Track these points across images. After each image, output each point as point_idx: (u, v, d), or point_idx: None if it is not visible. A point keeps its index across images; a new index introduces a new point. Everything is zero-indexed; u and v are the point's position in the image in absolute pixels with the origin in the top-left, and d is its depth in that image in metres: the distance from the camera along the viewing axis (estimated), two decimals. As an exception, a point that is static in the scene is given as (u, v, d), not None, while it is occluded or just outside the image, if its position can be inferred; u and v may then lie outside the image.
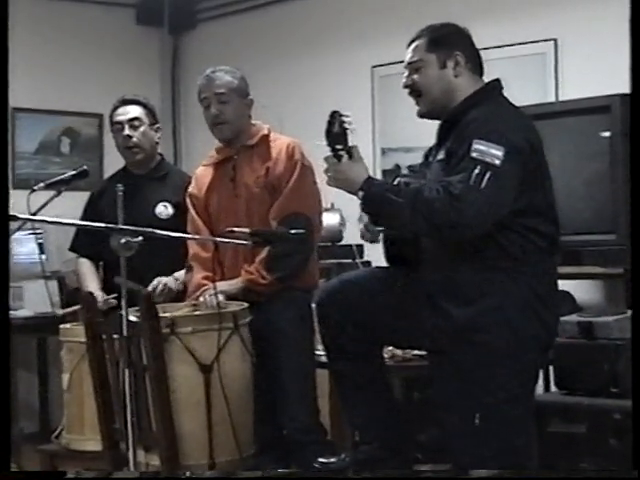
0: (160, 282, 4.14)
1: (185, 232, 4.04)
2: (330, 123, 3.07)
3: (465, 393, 3.08)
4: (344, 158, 3.10)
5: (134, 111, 4.43)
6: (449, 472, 3.29)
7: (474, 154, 2.97)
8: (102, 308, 3.98)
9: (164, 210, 4.36)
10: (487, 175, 2.94)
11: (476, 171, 2.94)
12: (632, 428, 2.42)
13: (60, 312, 4.26)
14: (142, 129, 4.42)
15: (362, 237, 3.41)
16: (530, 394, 3.23)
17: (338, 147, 3.09)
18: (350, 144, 3.10)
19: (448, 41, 3.24)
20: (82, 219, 4.42)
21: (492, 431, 3.06)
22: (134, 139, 4.40)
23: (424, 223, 3.00)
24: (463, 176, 2.95)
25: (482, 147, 2.97)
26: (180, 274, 4.21)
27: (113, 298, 4.09)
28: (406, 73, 3.29)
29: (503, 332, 3.05)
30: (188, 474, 3.43)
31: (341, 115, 3.06)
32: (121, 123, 4.41)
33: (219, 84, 4.02)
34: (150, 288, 4.04)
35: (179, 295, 4.15)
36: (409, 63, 3.28)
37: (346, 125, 3.07)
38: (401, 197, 3.01)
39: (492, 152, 2.96)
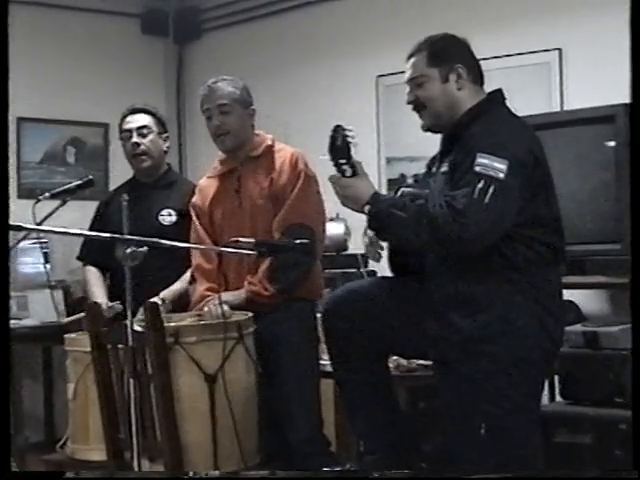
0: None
1: (188, 240, 4.04)
2: (333, 137, 3.08)
3: (470, 403, 3.08)
4: (347, 172, 3.10)
5: (143, 119, 4.44)
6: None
7: (478, 168, 2.96)
8: (108, 315, 3.97)
9: (167, 217, 4.36)
10: (491, 189, 2.94)
11: (480, 185, 2.94)
12: (632, 428, 2.41)
13: (64, 321, 4.24)
14: (151, 137, 4.43)
15: (367, 253, 3.40)
16: (536, 404, 3.23)
17: (341, 161, 3.10)
18: (354, 158, 3.11)
19: (449, 54, 3.24)
20: (90, 228, 4.44)
21: (498, 441, 3.05)
22: (142, 147, 4.41)
23: (429, 238, 2.99)
24: (467, 190, 2.95)
25: (486, 161, 2.96)
26: (167, 293, 4.20)
27: (118, 304, 4.09)
28: (408, 89, 3.29)
29: (508, 342, 3.05)
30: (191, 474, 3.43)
31: (344, 129, 3.07)
32: (130, 131, 4.43)
33: (221, 95, 4.01)
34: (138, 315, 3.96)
35: (183, 305, 4.15)
36: (411, 79, 3.28)
37: (349, 139, 3.07)
38: (406, 212, 3.01)
39: (496, 166, 2.96)
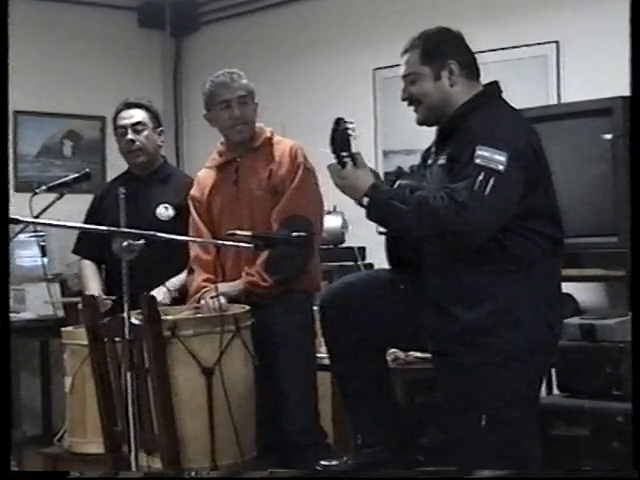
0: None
1: (186, 234, 4.03)
2: (334, 130, 3.09)
3: (470, 394, 3.08)
4: (348, 165, 3.11)
5: (138, 115, 4.41)
6: (452, 472, 3.28)
7: (477, 160, 2.97)
8: (103, 309, 3.97)
9: (165, 212, 4.35)
10: (491, 181, 2.94)
11: (480, 177, 2.95)
12: (632, 428, 2.41)
13: (60, 312, 4.23)
14: (145, 133, 4.41)
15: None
16: (535, 396, 3.24)
17: (342, 154, 3.11)
18: (354, 150, 3.11)
19: (441, 51, 3.22)
20: (85, 222, 4.42)
21: (497, 433, 3.06)
22: (137, 143, 4.38)
23: (429, 230, 3.00)
24: (467, 183, 2.95)
25: (485, 153, 2.97)
26: (173, 282, 4.19)
27: (112, 299, 4.09)
28: (402, 85, 3.29)
29: (508, 334, 3.06)
30: (193, 474, 3.43)
31: (345, 122, 3.08)
32: (125, 127, 4.40)
33: (239, 86, 4.00)
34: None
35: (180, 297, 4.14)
36: (404, 76, 3.28)
37: (350, 132, 3.08)
38: (406, 204, 3.02)
39: (495, 158, 2.96)
